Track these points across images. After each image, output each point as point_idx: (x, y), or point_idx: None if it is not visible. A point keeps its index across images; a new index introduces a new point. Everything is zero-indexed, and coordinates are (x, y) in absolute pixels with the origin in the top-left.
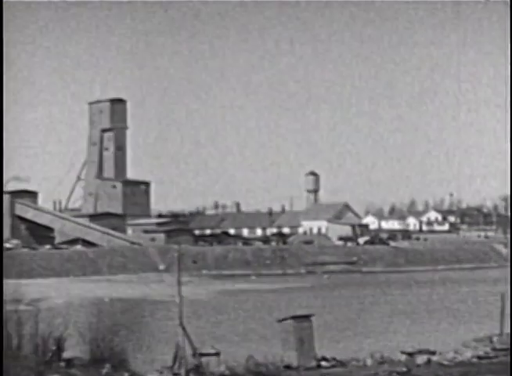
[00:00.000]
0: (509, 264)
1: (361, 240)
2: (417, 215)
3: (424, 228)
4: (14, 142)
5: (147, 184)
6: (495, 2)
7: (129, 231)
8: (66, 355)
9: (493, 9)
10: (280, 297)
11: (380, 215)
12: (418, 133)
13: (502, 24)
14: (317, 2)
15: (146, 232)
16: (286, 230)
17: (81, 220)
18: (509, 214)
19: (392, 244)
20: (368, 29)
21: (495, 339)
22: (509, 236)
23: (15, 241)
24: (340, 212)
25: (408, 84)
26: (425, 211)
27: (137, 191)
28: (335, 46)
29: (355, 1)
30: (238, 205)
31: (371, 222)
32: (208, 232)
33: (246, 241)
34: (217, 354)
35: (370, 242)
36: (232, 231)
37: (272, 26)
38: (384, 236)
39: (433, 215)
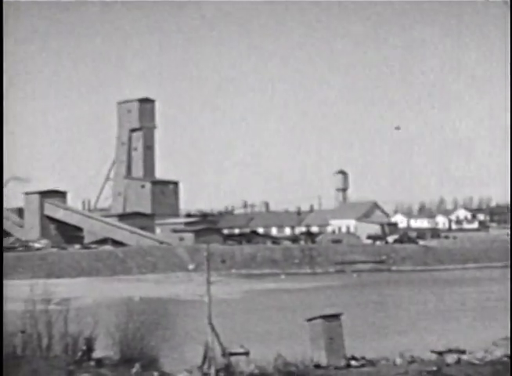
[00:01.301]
0: None
1: (390, 239)
2: (446, 213)
3: (453, 226)
4: (44, 142)
5: (176, 183)
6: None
7: (158, 231)
8: (96, 354)
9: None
10: (309, 296)
11: (409, 214)
12: (447, 132)
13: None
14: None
15: (175, 231)
16: (314, 229)
17: (110, 220)
18: None
19: (421, 242)
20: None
21: None
22: None
23: (44, 241)
24: (368, 211)
25: (434, 83)
26: (454, 210)
27: (166, 191)
28: (357, 46)
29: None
30: (267, 204)
31: (400, 220)
32: (237, 231)
33: (275, 240)
34: (246, 353)
35: (399, 241)
36: (260, 230)
37: (297, 26)
38: (413, 234)
39: (462, 213)
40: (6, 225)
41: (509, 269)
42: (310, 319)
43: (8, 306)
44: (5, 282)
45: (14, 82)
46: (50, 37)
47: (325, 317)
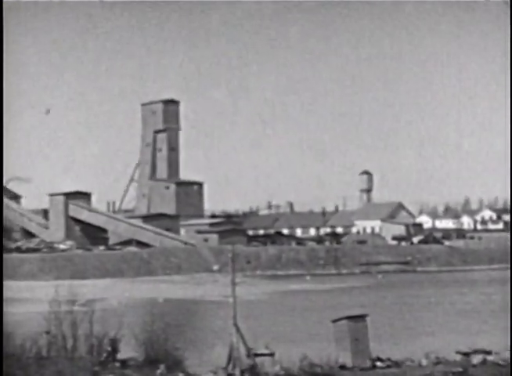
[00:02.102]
0: None
1: (415, 240)
2: (471, 213)
3: (479, 227)
4: (69, 144)
5: (200, 184)
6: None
7: (182, 232)
8: (120, 355)
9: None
10: (334, 297)
11: (434, 214)
12: (471, 132)
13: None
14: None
15: (200, 232)
16: (339, 230)
17: (134, 221)
18: None
19: (446, 243)
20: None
21: None
22: None
23: (69, 242)
24: (394, 211)
25: (455, 84)
26: (479, 210)
27: (190, 192)
28: (384, 47)
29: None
30: (291, 205)
31: (425, 221)
32: (262, 232)
33: (300, 241)
34: (271, 354)
35: (424, 241)
36: (285, 231)
37: (325, 26)
38: (438, 235)
39: (487, 213)
40: (31, 227)
41: None
42: (335, 321)
43: (33, 307)
44: (31, 283)
45: (37, 84)
46: (75, 37)
47: (350, 318)
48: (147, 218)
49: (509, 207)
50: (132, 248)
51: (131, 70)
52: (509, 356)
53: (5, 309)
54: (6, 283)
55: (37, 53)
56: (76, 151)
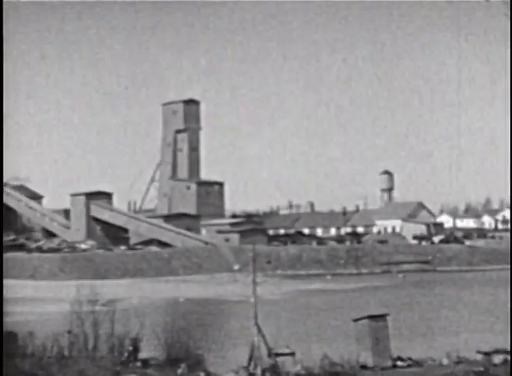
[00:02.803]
0: None
1: (436, 239)
2: (492, 213)
3: (500, 226)
4: (91, 144)
5: (221, 184)
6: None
7: (203, 231)
8: (142, 355)
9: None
10: (355, 296)
11: (454, 214)
12: (491, 131)
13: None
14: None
15: (220, 232)
16: (360, 230)
17: (155, 221)
18: None
19: (467, 242)
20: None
21: None
22: None
23: (90, 242)
24: (414, 211)
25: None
26: (500, 210)
27: (211, 191)
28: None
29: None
30: (312, 205)
31: (446, 220)
32: (282, 232)
33: (321, 241)
34: (292, 354)
35: (445, 241)
36: (306, 231)
37: (352, 22)
38: (459, 234)
39: (508, 213)
40: (52, 227)
41: None
42: (356, 320)
43: (54, 307)
44: (52, 283)
45: (59, 84)
46: (97, 37)
47: (371, 317)
48: (168, 217)
49: None
50: (153, 248)
51: (151, 70)
52: None
53: (26, 308)
54: (27, 283)
55: (58, 53)
56: (96, 151)
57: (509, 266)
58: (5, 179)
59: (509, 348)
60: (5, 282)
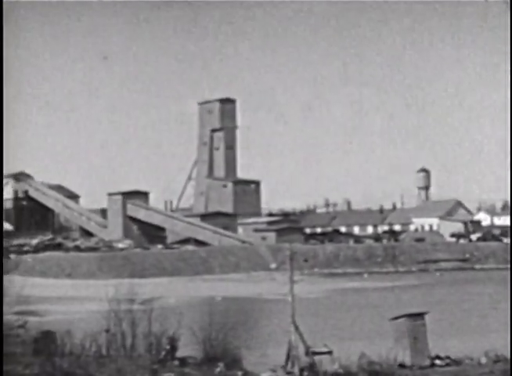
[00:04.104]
0: None
1: (473, 237)
2: None
3: None
4: (129, 144)
5: (257, 183)
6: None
7: (240, 230)
8: (179, 354)
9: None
10: (392, 295)
11: (492, 212)
12: None
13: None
14: None
15: (257, 231)
16: (397, 228)
17: (192, 220)
18: None
19: (505, 240)
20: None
21: None
22: None
23: (127, 241)
24: (452, 209)
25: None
26: None
27: (247, 190)
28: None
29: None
30: (349, 203)
31: (483, 218)
32: (319, 230)
33: (358, 239)
34: (329, 352)
35: (483, 239)
36: (343, 229)
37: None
38: (497, 232)
39: None
40: (89, 226)
41: None
42: (394, 319)
43: (92, 306)
44: (89, 282)
45: (93, 86)
46: (134, 36)
47: (409, 316)
48: (205, 216)
49: None
50: (190, 247)
51: (185, 70)
52: None
53: (63, 307)
54: (65, 282)
55: (85, 51)
56: (133, 150)
57: None
58: (41, 179)
59: None
60: (44, 281)
